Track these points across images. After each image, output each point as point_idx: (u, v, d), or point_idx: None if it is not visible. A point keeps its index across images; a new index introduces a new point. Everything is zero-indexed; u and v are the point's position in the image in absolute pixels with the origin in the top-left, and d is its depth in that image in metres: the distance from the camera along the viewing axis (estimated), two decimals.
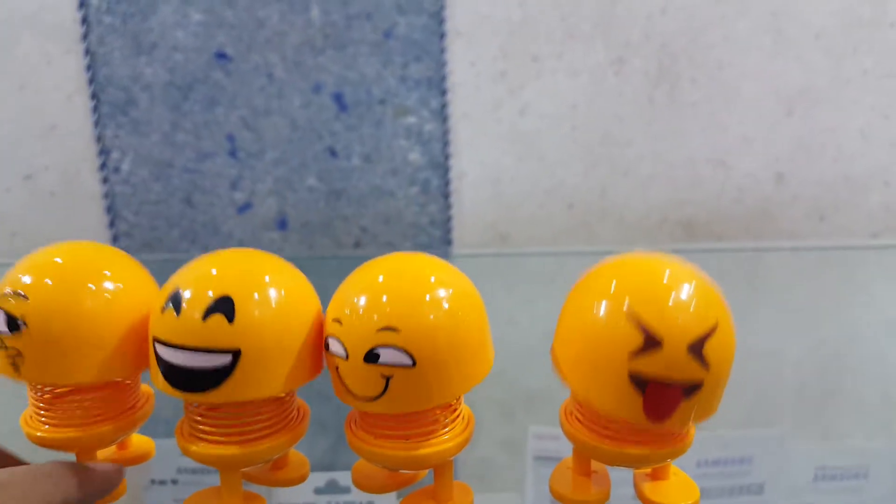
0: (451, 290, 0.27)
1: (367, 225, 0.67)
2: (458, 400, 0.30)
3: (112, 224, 0.65)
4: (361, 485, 0.33)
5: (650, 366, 0.25)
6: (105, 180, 0.64)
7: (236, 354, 0.26)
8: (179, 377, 0.27)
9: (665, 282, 0.27)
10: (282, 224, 0.66)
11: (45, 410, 0.30)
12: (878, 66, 0.65)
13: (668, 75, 0.63)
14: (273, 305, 0.27)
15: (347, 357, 0.27)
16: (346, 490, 0.38)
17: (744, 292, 0.61)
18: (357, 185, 0.65)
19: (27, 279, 0.28)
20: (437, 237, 0.67)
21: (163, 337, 0.27)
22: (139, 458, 0.35)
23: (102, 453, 0.33)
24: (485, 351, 0.29)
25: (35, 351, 0.28)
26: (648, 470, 0.33)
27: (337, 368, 0.28)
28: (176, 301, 0.26)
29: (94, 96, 0.62)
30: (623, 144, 0.65)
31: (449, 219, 0.67)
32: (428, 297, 0.27)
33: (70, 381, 0.29)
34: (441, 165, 0.65)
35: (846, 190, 0.68)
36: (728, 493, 0.40)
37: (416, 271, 0.28)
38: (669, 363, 0.25)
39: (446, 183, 0.66)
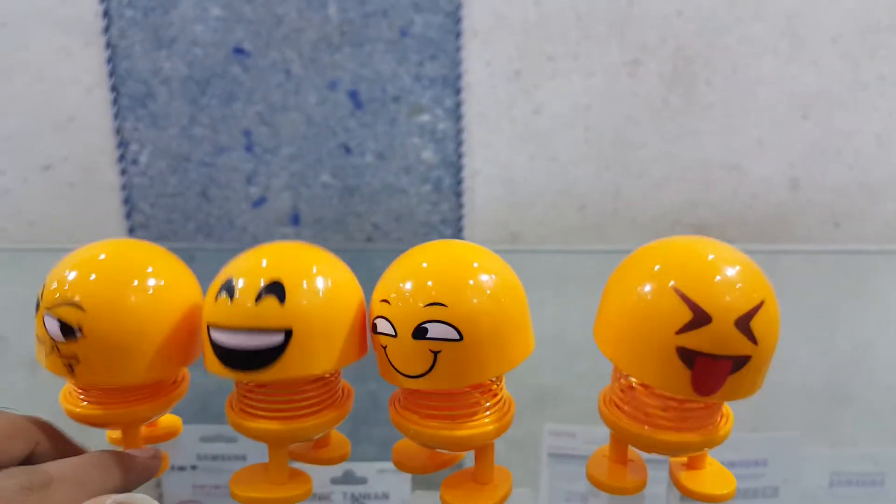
0: (493, 274, 0.29)
1: (380, 222, 0.67)
2: (499, 384, 0.31)
3: (129, 215, 0.66)
4: (402, 464, 0.34)
5: (699, 341, 0.26)
6: (123, 172, 0.65)
7: (288, 334, 0.28)
8: (235, 358, 0.28)
9: (710, 261, 0.28)
10: (295, 219, 0.67)
11: (85, 390, 0.31)
12: (895, 72, 0.65)
13: (684, 77, 0.63)
14: (320, 290, 0.29)
15: (396, 334, 0.28)
16: (362, 481, 0.39)
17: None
18: (370, 182, 0.66)
19: (79, 285, 0.29)
20: (448, 235, 0.68)
21: (217, 322, 0.28)
22: (168, 436, 0.36)
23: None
24: (526, 333, 0.30)
25: (90, 356, 0.29)
26: (685, 459, 0.33)
27: (385, 348, 0.29)
28: (229, 288, 0.28)
29: (113, 89, 0.63)
30: (637, 146, 0.65)
31: (461, 217, 0.67)
32: (473, 278, 0.28)
33: (121, 383, 0.30)
34: (454, 164, 0.65)
35: (861, 197, 0.68)
36: (742, 495, 0.40)
37: (460, 255, 0.30)
38: (718, 338, 0.26)
39: (459, 181, 0.66)
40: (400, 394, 0.32)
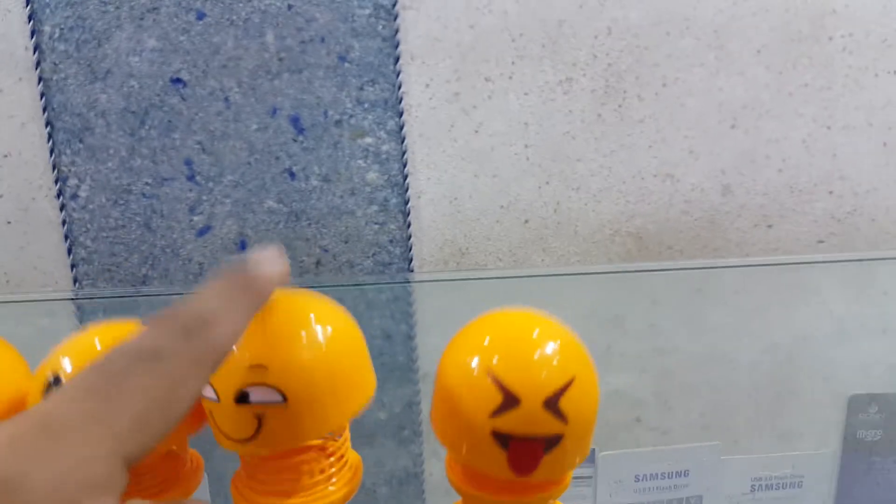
0: (322, 324, 0.28)
1: (328, 245, 0.67)
2: (343, 444, 0.30)
3: (70, 251, 0.65)
4: None
5: (510, 423, 0.26)
6: (62, 207, 0.64)
7: None
8: None
9: (525, 340, 0.28)
10: (242, 246, 0.67)
11: None
12: (818, 79, 0.68)
13: (615, 93, 0.65)
14: None
15: (219, 399, 0.27)
16: None
17: (693, 302, 0.63)
18: (316, 206, 0.66)
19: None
20: (397, 254, 0.68)
21: None
22: None
23: None
24: (362, 379, 0.29)
25: None
26: None
27: (211, 413, 0.28)
28: (55, 380, 0.27)
29: (48, 123, 0.62)
30: (573, 160, 0.67)
31: (409, 237, 0.68)
32: (297, 333, 0.27)
33: None
34: (399, 185, 0.66)
35: (791, 199, 0.71)
36: None
37: (287, 308, 0.28)
38: (527, 419, 0.26)
39: (405, 201, 0.67)
40: (242, 472, 0.30)
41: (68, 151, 0.63)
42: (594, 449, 0.35)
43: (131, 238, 0.65)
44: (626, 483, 0.37)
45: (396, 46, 0.63)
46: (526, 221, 0.68)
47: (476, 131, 0.65)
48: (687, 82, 0.66)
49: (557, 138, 0.66)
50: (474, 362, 0.27)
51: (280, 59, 0.62)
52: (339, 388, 0.28)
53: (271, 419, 0.26)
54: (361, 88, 0.64)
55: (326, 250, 0.67)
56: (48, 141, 0.63)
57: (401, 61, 0.63)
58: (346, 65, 0.63)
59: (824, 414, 0.51)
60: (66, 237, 0.65)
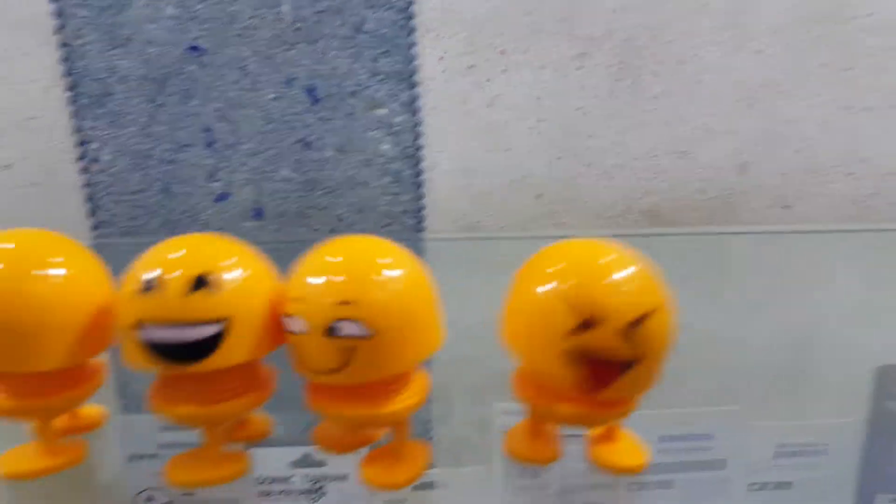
0: (402, 268, 0.29)
1: (343, 214, 0.68)
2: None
3: (92, 213, 0.67)
4: (323, 444, 0.35)
5: (588, 343, 0.27)
6: (84, 171, 0.66)
7: (223, 324, 0.28)
8: (169, 352, 0.28)
9: (604, 265, 0.28)
10: (258, 213, 0.68)
11: None
12: (839, 59, 0.67)
13: (630, 69, 0.65)
14: (244, 278, 0.29)
15: (308, 332, 0.28)
16: (320, 464, 0.40)
17: (708, 277, 0.63)
18: (331, 176, 0.67)
19: None
20: (410, 226, 0.69)
21: (147, 317, 0.28)
22: (90, 427, 0.36)
23: (57, 422, 0.35)
24: (438, 321, 0.31)
25: None
26: (599, 433, 0.35)
27: (297, 346, 0.29)
28: (153, 283, 0.28)
29: (70, 88, 0.64)
30: (586, 136, 0.66)
31: (421, 208, 0.68)
32: (383, 274, 0.28)
33: (31, 369, 0.30)
34: (412, 157, 0.67)
35: (809, 180, 0.70)
36: (690, 468, 0.42)
37: (369, 251, 0.30)
38: (606, 342, 0.27)
39: (418, 173, 0.67)
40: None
41: (90, 116, 0.64)
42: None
43: (151, 202, 0.66)
44: (651, 443, 0.38)
45: (411, 18, 0.63)
46: (538, 196, 0.68)
47: (490, 105, 0.65)
48: (704, 60, 0.65)
49: (571, 113, 0.66)
50: (555, 282, 0.28)
51: (296, 29, 0.63)
52: (420, 325, 0.29)
53: (359, 352, 0.28)
54: (376, 60, 0.64)
55: (341, 220, 0.68)
56: (71, 105, 0.64)
57: (415, 33, 0.63)
58: (362, 36, 0.63)
59: (851, 385, 0.52)
60: (89, 200, 0.66)
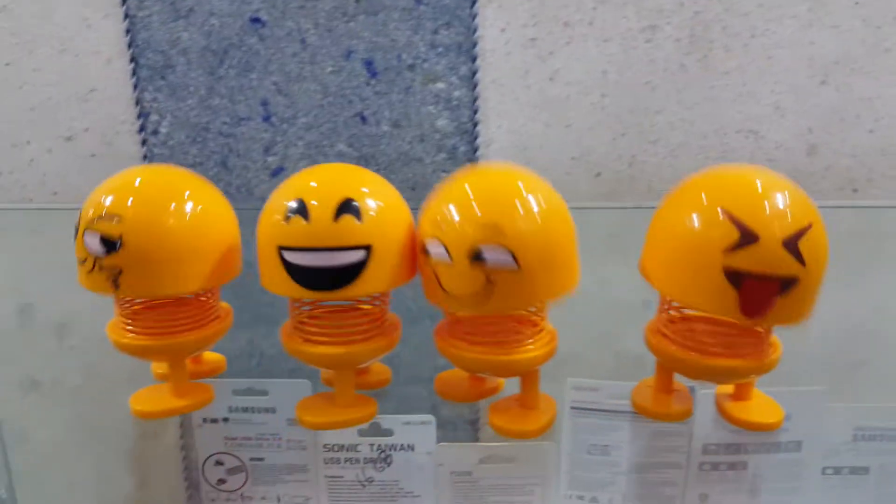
0: (547, 198, 0.29)
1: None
2: (540, 315, 0.31)
3: None
4: (445, 393, 0.35)
5: (746, 261, 0.26)
6: (143, 142, 0.66)
7: (368, 250, 0.28)
8: (315, 278, 0.28)
9: (758, 184, 0.28)
10: None
11: (132, 320, 0.33)
12: None
13: (701, 43, 0.63)
14: (385, 206, 0.29)
15: (451, 259, 0.28)
16: (388, 433, 0.40)
17: None
18: (385, 151, 0.66)
19: (116, 202, 0.30)
20: None
21: (293, 243, 0.28)
22: (213, 371, 0.37)
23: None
24: (575, 261, 0.30)
25: (132, 266, 0.30)
26: (731, 390, 0.33)
27: (436, 272, 0.29)
28: (301, 209, 0.28)
29: (133, 60, 0.64)
30: (653, 112, 0.65)
31: None
32: (529, 204, 0.28)
33: (166, 293, 0.32)
34: (469, 132, 0.66)
35: (882, 162, 0.67)
36: (766, 449, 0.41)
37: (514, 180, 0.30)
38: (766, 257, 0.26)
39: (474, 149, 0.66)
40: (445, 324, 0.32)
41: (150, 88, 0.64)
42: (693, 387, 0.35)
43: (208, 175, 0.66)
44: (723, 422, 0.36)
45: None
46: (598, 174, 0.66)
47: (551, 79, 0.64)
48: (777, 34, 0.63)
49: (637, 88, 0.64)
50: (708, 201, 0.27)
51: (357, 1, 0.62)
52: (562, 260, 0.29)
53: (502, 283, 0.28)
54: (436, 32, 0.63)
55: None
56: (132, 77, 0.64)
57: (477, 4, 0.62)
58: (423, 7, 0.62)
59: None
60: None
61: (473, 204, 0.28)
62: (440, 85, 0.64)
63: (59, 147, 0.67)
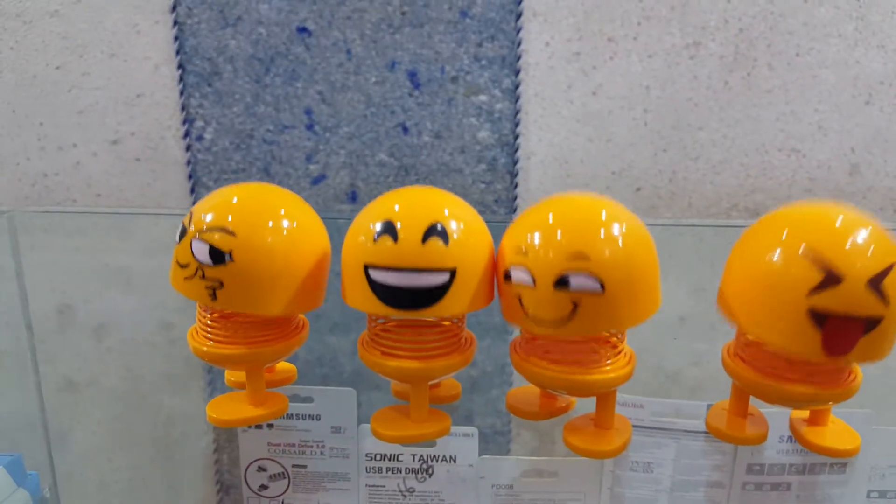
0: (630, 225, 0.29)
1: None
2: (619, 337, 0.32)
3: (193, 190, 0.68)
4: (516, 410, 0.35)
5: (830, 302, 0.26)
6: (188, 148, 0.67)
7: (453, 273, 0.29)
8: (399, 297, 0.29)
9: (840, 223, 0.28)
10: (353, 197, 0.68)
11: (212, 329, 0.33)
12: None
13: (745, 60, 0.63)
14: (469, 230, 0.30)
15: (535, 284, 0.29)
16: (430, 444, 0.40)
17: None
18: (426, 162, 0.67)
19: (234, 216, 0.31)
20: (501, 215, 0.68)
21: (380, 262, 0.29)
22: (285, 381, 0.38)
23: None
24: (657, 285, 0.31)
25: (235, 283, 0.30)
26: (806, 415, 0.33)
27: (520, 297, 0.29)
28: (391, 230, 0.29)
29: (180, 66, 0.65)
30: (695, 128, 0.64)
31: (515, 197, 0.68)
32: (614, 231, 0.29)
33: (261, 312, 0.32)
34: (509, 144, 0.66)
35: None
36: (810, 470, 0.40)
37: (598, 208, 0.30)
38: (850, 298, 0.26)
39: (514, 162, 0.66)
40: (521, 340, 0.33)
41: (197, 94, 0.66)
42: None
43: (251, 182, 0.67)
44: (769, 443, 0.36)
45: (519, 3, 0.62)
46: (638, 189, 0.66)
47: (594, 93, 0.64)
48: (822, 53, 0.63)
49: (680, 104, 0.64)
50: (787, 244, 0.28)
51: (403, 13, 0.63)
52: (646, 285, 0.29)
53: (587, 306, 0.28)
54: (480, 45, 0.63)
55: None
56: (179, 83, 0.65)
57: (522, 17, 0.63)
58: (468, 20, 0.63)
59: None
60: (190, 177, 0.68)
61: (562, 233, 0.29)
62: (482, 97, 0.65)
63: (105, 150, 0.68)
